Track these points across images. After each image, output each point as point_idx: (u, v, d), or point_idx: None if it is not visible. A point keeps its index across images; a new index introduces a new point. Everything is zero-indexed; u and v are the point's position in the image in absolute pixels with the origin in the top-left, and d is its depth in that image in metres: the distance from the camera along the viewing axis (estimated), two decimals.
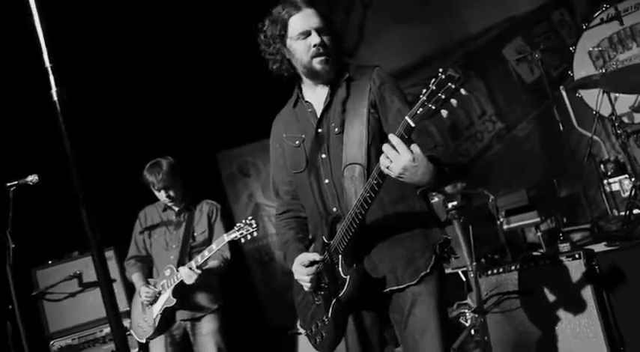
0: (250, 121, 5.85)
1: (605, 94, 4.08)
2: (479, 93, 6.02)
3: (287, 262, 2.13)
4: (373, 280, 1.94)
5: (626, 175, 4.27)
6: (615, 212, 4.39)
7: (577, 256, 3.14)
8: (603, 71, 3.73)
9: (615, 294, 3.13)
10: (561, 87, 4.88)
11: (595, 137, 4.70)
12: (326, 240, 1.99)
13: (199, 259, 3.12)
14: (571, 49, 4.63)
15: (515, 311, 3.27)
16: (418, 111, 1.58)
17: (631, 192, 3.77)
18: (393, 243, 1.95)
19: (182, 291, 3.21)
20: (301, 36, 1.97)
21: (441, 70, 1.56)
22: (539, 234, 4.17)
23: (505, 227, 4.38)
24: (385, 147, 1.67)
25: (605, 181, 4.44)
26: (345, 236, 1.88)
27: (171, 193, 3.35)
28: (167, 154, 3.60)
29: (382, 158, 1.68)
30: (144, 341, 3.33)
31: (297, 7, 1.98)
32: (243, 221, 3.03)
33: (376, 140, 1.96)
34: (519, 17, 5.57)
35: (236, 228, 3.04)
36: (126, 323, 3.94)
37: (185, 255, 3.32)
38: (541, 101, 5.41)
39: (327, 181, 2.01)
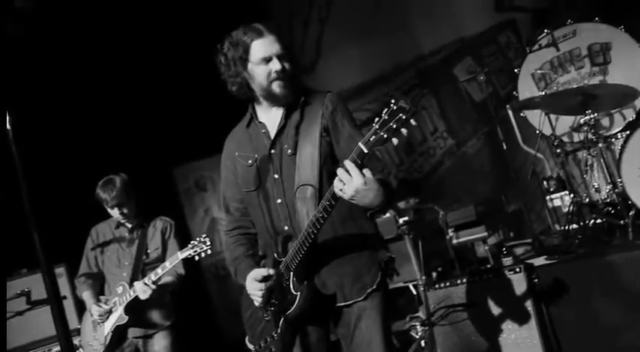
0: (207, 136, 5.87)
1: (547, 115, 4.31)
2: (431, 111, 6.22)
3: (238, 278, 2.18)
4: (322, 296, 2.01)
5: (567, 191, 4.50)
6: (557, 226, 4.62)
7: (518, 270, 3.30)
8: (544, 93, 3.94)
9: (555, 305, 3.31)
10: (507, 106, 5.11)
11: (539, 155, 4.94)
12: (278, 258, 2.05)
13: (153, 276, 3.13)
14: (516, 70, 4.86)
15: (462, 323, 3.39)
16: (371, 139, 1.68)
17: (569, 208, 3.98)
18: (342, 261, 2.04)
19: (135, 308, 3.20)
20: (263, 61, 2.05)
21: (393, 100, 1.66)
22: (486, 247, 4.34)
23: (454, 241, 4.53)
24: (339, 170, 1.75)
25: (547, 197, 4.66)
26: (297, 254, 1.95)
27: (125, 210, 3.34)
28: (123, 170, 3.59)
29: (336, 181, 1.76)
30: None
31: (260, 33, 2.06)
32: (197, 239, 3.06)
33: (328, 162, 2.06)
34: (469, 38, 5.81)
35: (190, 246, 3.06)
36: (75, 341, 3.89)
37: (138, 272, 3.31)
38: (490, 119, 5.62)
39: (279, 201, 2.08)
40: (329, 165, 2.05)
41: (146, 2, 5.31)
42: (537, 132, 4.63)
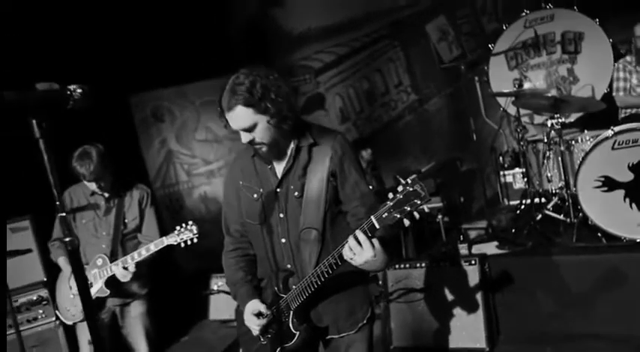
0: (168, 64, 5.66)
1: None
2: (398, 64, 6.24)
3: (237, 301, 2.31)
4: (317, 329, 2.20)
5: (520, 169, 4.82)
6: (506, 201, 4.99)
7: (473, 262, 3.63)
8: (517, 88, 4.06)
9: (500, 292, 3.71)
10: (476, 78, 5.23)
11: (500, 131, 5.18)
12: (278, 293, 2.19)
13: (136, 256, 3.17)
14: (490, 46, 4.93)
15: (416, 303, 3.74)
16: (383, 215, 1.76)
17: (521, 200, 4.31)
18: (338, 298, 2.20)
19: (114, 282, 3.26)
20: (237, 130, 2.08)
21: (409, 180, 1.72)
22: (439, 218, 4.65)
23: None
24: (351, 241, 1.85)
25: (501, 173, 4.98)
26: (299, 297, 2.09)
27: (102, 184, 3.29)
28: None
29: (346, 250, 1.87)
30: (71, 323, 3.40)
31: (222, 111, 2.04)
32: (184, 225, 3.10)
33: (332, 206, 2.15)
34: None
35: (176, 232, 3.10)
36: (42, 293, 3.97)
37: (117, 243, 3.33)
38: (455, 80, 5.74)
39: (283, 241, 2.18)
40: (333, 208, 2.16)
41: None
42: (501, 110, 4.82)
